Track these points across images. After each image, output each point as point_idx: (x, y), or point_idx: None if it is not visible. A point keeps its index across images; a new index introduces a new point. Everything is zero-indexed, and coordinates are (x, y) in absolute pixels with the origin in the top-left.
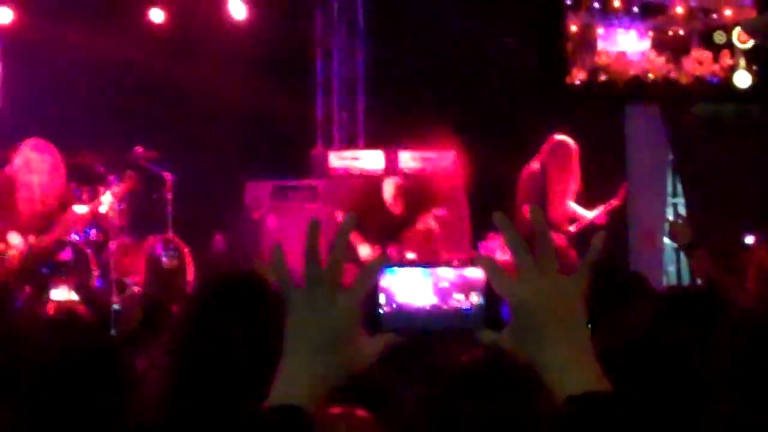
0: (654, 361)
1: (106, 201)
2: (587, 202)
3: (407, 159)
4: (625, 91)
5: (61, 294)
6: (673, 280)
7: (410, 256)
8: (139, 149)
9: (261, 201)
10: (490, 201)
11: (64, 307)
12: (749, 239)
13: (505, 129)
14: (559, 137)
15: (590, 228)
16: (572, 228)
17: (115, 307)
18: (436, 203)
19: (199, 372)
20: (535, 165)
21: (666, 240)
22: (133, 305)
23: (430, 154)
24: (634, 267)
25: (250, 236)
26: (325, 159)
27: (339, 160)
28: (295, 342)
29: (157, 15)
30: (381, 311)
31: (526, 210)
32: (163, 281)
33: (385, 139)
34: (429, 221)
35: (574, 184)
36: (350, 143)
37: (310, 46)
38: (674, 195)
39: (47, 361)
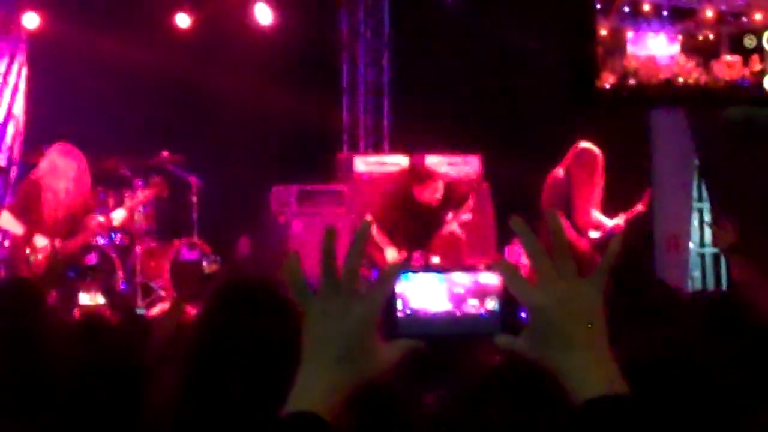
0: (677, 373)
1: (119, 217)
2: (612, 207)
3: (432, 164)
4: (655, 95)
5: (89, 298)
6: (699, 286)
7: (435, 260)
8: (165, 153)
9: (287, 205)
10: (516, 206)
11: (91, 311)
12: None
13: (532, 134)
14: (584, 144)
15: (610, 237)
16: (596, 235)
17: (139, 311)
18: (462, 208)
19: (215, 378)
20: (559, 171)
21: (691, 245)
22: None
23: (456, 159)
24: (660, 272)
25: (276, 240)
26: (351, 163)
27: (364, 164)
28: (312, 350)
29: (183, 20)
30: (398, 317)
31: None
32: (201, 286)
33: (411, 143)
34: (454, 226)
35: (599, 192)
36: (376, 148)
37: (336, 50)
38: (700, 200)
39: (75, 367)
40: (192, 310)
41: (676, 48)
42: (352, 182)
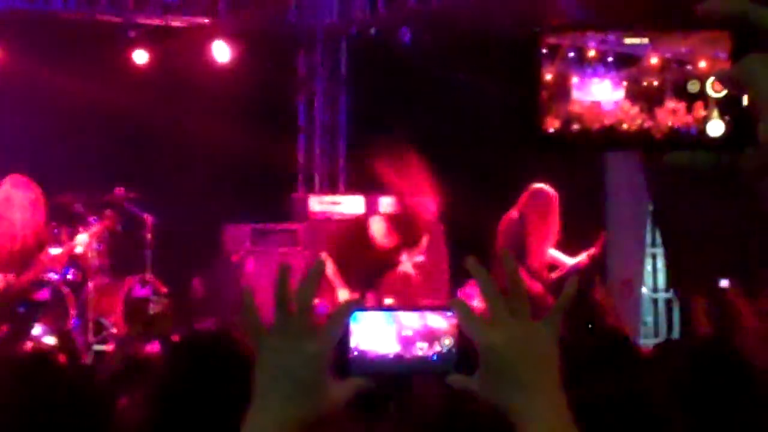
0: (629, 418)
1: (82, 242)
2: (566, 250)
3: (387, 204)
4: (598, 140)
5: (39, 335)
6: (651, 330)
7: (388, 301)
8: (119, 190)
9: (241, 243)
10: (470, 248)
11: (40, 348)
12: (724, 283)
13: (488, 176)
14: (538, 185)
15: (569, 276)
16: (553, 275)
17: (96, 348)
18: (415, 249)
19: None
20: (514, 213)
21: (644, 289)
22: (117, 347)
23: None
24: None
25: (229, 279)
26: (306, 203)
27: (319, 204)
28: (264, 386)
29: (140, 56)
30: (351, 356)
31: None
32: (147, 324)
33: (366, 184)
34: (407, 267)
35: (554, 232)
36: (331, 188)
37: (293, 90)
38: (653, 245)
39: (21, 403)
40: (141, 348)
41: (620, 94)
42: (307, 222)
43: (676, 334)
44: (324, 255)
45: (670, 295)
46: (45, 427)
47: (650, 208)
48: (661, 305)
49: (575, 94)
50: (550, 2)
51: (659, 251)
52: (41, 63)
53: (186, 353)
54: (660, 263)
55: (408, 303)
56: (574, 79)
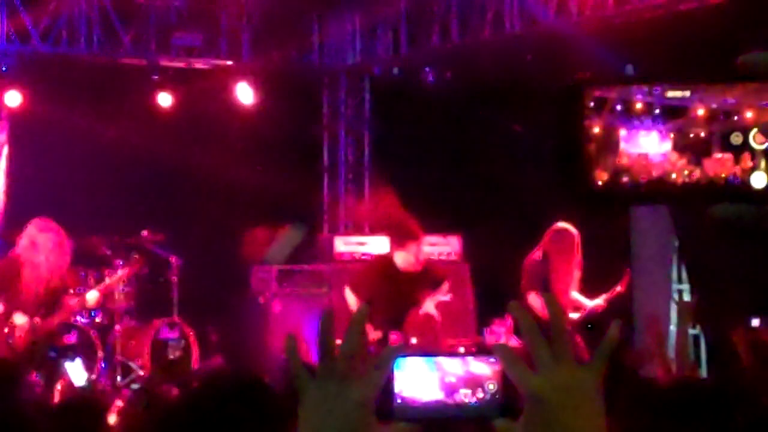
0: None
1: (92, 299)
2: (592, 289)
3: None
4: (648, 192)
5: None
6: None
7: (413, 341)
8: (145, 233)
9: (267, 285)
10: (495, 287)
11: (72, 393)
12: (755, 322)
13: (512, 215)
14: (561, 224)
15: (593, 315)
16: (576, 316)
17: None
18: (438, 289)
19: None
20: (537, 253)
21: (671, 327)
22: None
23: (436, 239)
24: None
25: (256, 320)
26: (331, 244)
27: (345, 245)
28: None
29: (165, 99)
30: (394, 403)
31: (532, 297)
32: (168, 369)
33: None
34: (430, 307)
35: (576, 272)
36: (356, 228)
37: (317, 130)
38: (680, 281)
39: None
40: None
41: (668, 146)
42: (332, 263)
43: (703, 369)
44: (360, 304)
45: (696, 331)
46: None
47: (676, 244)
48: (689, 341)
49: (623, 147)
50: (579, 49)
51: (685, 288)
52: (65, 106)
53: (206, 396)
54: (687, 299)
55: (431, 343)
56: (622, 132)
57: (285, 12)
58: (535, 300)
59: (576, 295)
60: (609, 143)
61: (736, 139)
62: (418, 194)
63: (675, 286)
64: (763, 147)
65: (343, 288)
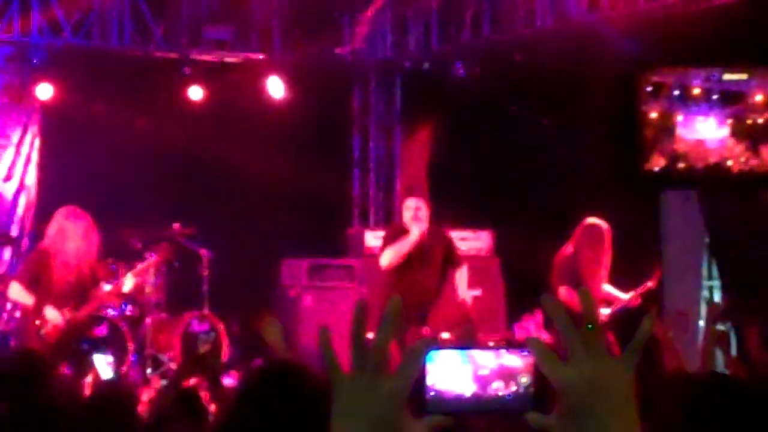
0: None
1: (129, 282)
2: (622, 285)
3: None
4: (704, 178)
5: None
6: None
7: (445, 336)
8: (176, 226)
9: (297, 279)
10: (526, 282)
11: (100, 385)
12: None
13: (543, 210)
14: (592, 220)
15: (624, 311)
16: (607, 311)
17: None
18: (472, 283)
19: None
20: (568, 248)
21: (701, 323)
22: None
23: (467, 234)
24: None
25: (286, 314)
26: (362, 238)
27: (375, 239)
28: (342, 428)
29: (196, 93)
30: (427, 396)
31: (563, 291)
32: (198, 362)
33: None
34: (465, 292)
35: (607, 267)
36: (387, 222)
37: (348, 124)
38: (710, 278)
39: None
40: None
41: (725, 132)
42: (362, 257)
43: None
44: (392, 297)
45: (726, 327)
46: None
47: (706, 240)
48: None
49: (680, 132)
50: (606, 37)
51: (716, 284)
52: (97, 99)
53: (260, 384)
54: (717, 296)
55: (467, 338)
56: (679, 117)
57: (316, 6)
58: (566, 294)
59: (609, 288)
60: (666, 128)
61: None
62: (447, 189)
63: (705, 283)
64: None
65: (372, 282)
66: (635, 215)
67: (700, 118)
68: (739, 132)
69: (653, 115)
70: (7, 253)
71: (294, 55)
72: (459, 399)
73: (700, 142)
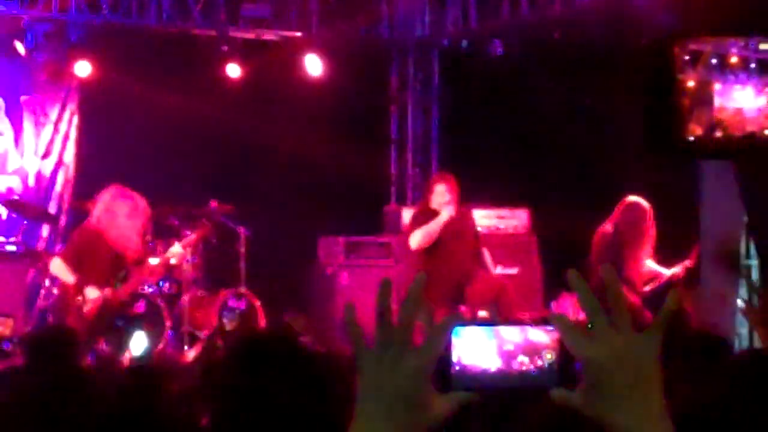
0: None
1: (176, 252)
2: (661, 261)
3: (480, 217)
4: (742, 147)
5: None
6: (745, 343)
7: (482, 314)
8: (213, 203)
9: (334, 256)
10: (563, 260)
11: (131, 362)
12: None
13: (581, 188)
14: (632, 198)
15: (665, 287)
16: (647, 287)
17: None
18: (509, 261)
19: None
20: (608, 226)
21: (739, 301)
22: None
23: (504, 212)
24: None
25: (323, 292)
26: (399, 216)
27: None
28: (365, 401)
29: (233, 70)
30: (453, 370)
31: (601, 270)
32: (227, 338)
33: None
34: (501, 276)
35: (649, 245)
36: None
37: (385, 102)
38: (748, 257)
39: (119, 417)
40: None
41: (763, 101)
42: (400, 235)
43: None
44: (417, 274)
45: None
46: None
47: (745, 219)
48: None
49: (718, 101)
50: (643, 12)
51: (754, 263)
52: (135, 77)
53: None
54: (755, 275)
55: (504, 314)
56: (717, 86)
57: None
58: (606, 272)
59: (651, 264)
60: (703, 97)
61: None
62: (485, 167)
63: (744, 262)
64: None
65: (408, 260)
66: (674, 191)
67: (738, 86)
68: None
69: (690, 83)
70: (45, 230)
71: (332, 33)
72: (484, 374)
73: (738, 111)
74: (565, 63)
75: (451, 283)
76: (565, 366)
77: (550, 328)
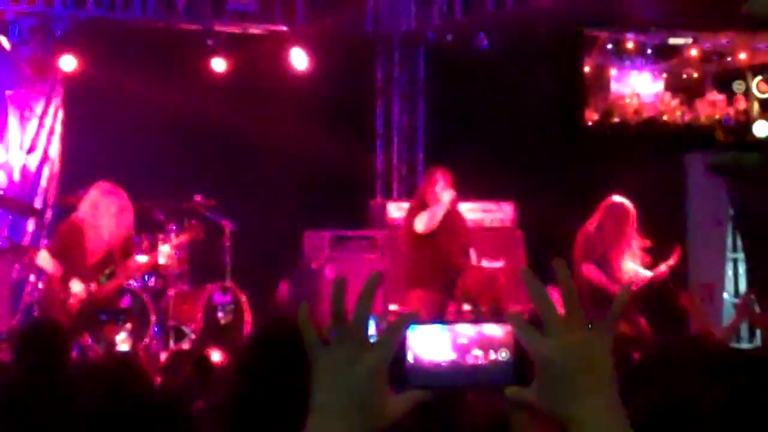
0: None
1: (165, 252)
2: (645, 255)
3: (466, 210)
4: (638, 133)
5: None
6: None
7: (466, 308)
8: (198, 197)
9: (320, 250)
10: (549, 254)
11: (116, 355)
12: None
13: (566, 182)
14: (616, 198)
15: (651, 286)
16: (632, 287)
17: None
18: (495, 255)
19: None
20: (591, 225)
21: (725, 295)
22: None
23: (490, 206)
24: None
25: (309, 285)
26: (384, 210)
27: (398, 210)
28: (320, 400)
29: (218, 64)
30: (407, 367)
31: (586, 270)
32: (219, 334)
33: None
34: (490, 267)
35: (631, 245)
36: (410, 194)
37: (371, 96)
38: (734, 250)
39: (98, 409)
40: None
41: (660, 86)
42: (385, 229)
43: (758, 339)
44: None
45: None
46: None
47: (731, 212)
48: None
49: (614, 87)
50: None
51: (740, 256)
52: (120, 71)
53: (266, 340)
54: (741, 268)
55: (494, 304)
56: (613, 71)
57: None
58: (588, 271)
59: (632, 265)
60: (599, 83)
61: (739, 87)
62: (471, 161)
63: (730, 255)
64: (765, 95)
65: (395, 253)
66: (659, 187)
67: (635, 72)
68: (675, 86)
69: (586, 69)
70: (31, 224)
71: (317, 27)
72: (438, 367)
73: (634, 96)
74: (550, 57)
75: (442, 275)
76: (521, 364)
77: (505, 323)
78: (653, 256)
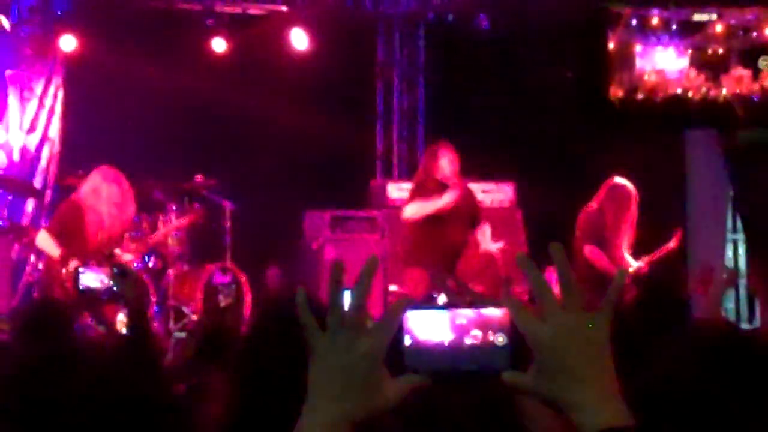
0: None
1: (165, 233)
2: (647, 239)
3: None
4: (664, 109)
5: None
6: (732, 317)
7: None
8: (198, 178)
9: (320, 231)
10: (548, 234)
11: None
12: None
13: (566, 162)
14: (618, 180)
15: (648, 270)
16: (631, 270)
17: (176, 335)
18: (495, 235)
19: (263, 405)
20: (592, 206)
21: (725, 276)
22: (189, 335)
23: (489, 186)
24: (693, 304)
25: (308, 266)
26: (384, 190)
27: (398, 191)
28: (317, 384)
29: (219, 45)
30: (404, 351)
31: (587, 251)
32: (219, 315)
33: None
34: (488, 244)
35: (631, 228)
36: (410, 175)
37: (371, 77)
38: (734, 231)
39: (104, 389)
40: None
41: (685, 62)
42: (385, 209)
43: (757, 320)
44: (369, 257)
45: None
46: (130, 413)
47: (731, 193)
48: (743, 291)
49: (639, 63)
50: None
51: (740, 237)
52: (120, 51)
53: (270, 322)
54: (741, 249)
55: (492, 288)
56: (638, 47)
57: None
58: (590, 253)
59: (626, 257)
60: (624, 59)
61: (764, 62)
62: (471, 141)
63: (730, 236)
64: None
65: (395, 233)
66: (659, 167)
67: (660, 48)
68: (700, 62)
69: (611, 45)
70: (30, 205)
71: (317, 7)
72: (437, 348)
73: (659, 73)
74: (550, 37)
75: (442, 255)
76: (518, 349)
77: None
78: (654, 236)
